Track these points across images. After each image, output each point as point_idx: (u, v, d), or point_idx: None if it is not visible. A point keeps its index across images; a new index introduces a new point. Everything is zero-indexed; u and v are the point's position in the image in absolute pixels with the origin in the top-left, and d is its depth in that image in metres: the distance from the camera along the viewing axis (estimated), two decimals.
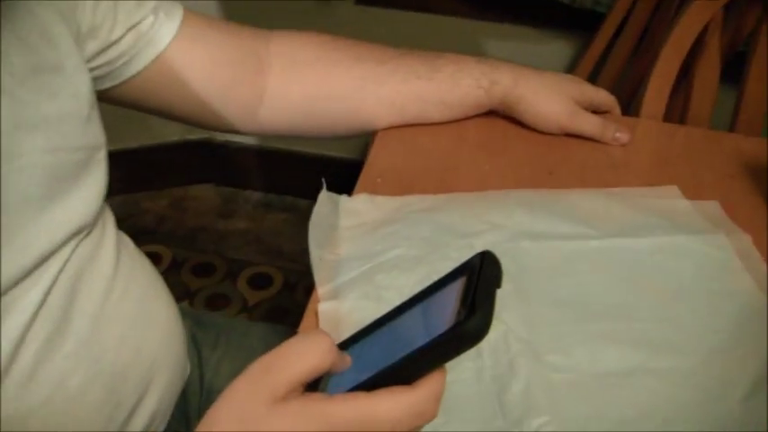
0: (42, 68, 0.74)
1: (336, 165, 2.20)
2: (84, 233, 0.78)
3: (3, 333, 0.68)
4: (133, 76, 0.88)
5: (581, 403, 0.66)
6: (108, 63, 0.86)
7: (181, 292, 2.05)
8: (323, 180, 0.88)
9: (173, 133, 2.29)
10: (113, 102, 0.91)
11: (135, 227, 2.13)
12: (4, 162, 0.68)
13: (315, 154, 2.24)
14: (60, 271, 0.73)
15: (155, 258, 2.11)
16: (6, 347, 0.68)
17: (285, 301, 2.07)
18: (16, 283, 0.69)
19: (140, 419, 0.80)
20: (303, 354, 0.53)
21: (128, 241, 0.88)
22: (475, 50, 1.95)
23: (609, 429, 0.64)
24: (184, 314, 0.92)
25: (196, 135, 2.28)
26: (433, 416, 0.52)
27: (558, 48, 1.88)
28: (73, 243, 0.76)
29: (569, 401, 0.66)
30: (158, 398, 0.82)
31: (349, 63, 0.99)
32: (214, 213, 2.36)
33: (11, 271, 0.68)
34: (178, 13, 0.90)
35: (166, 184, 2.40)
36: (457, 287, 0.52)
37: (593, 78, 1.63)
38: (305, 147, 2.25)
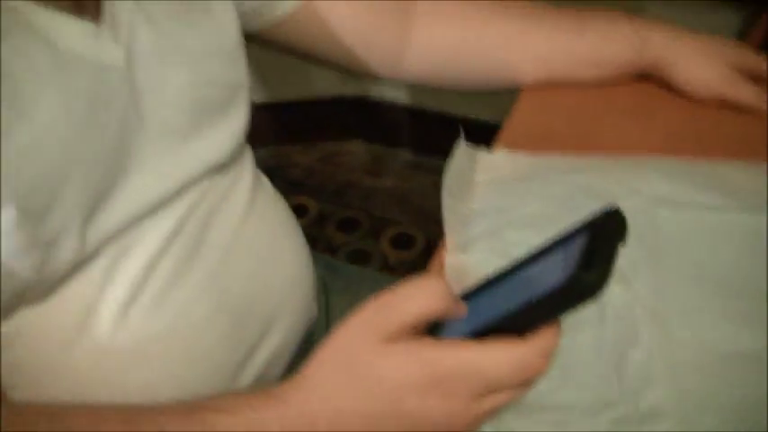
0: (192, 7, 0.76)
1: (488, 128, 2.17)
2: (222, 169, 0.80)
3: (136, 256, 0.70)
4: (280, 20, 0.90)
5: (702, 381, 0.63)
6: (255, 4, 0.88)
7: (324, 246, 2.08)
8: (461, 132, 0.87)
9: (328, 88, 2.32)
10: (263, 43, 0.94)
11: (285, 178, 2.19)
12: (150, 92, 0.71)
13: (467, 116, 2.20)
14: (196, 204, 0.76)
15: (301, 210, 2.16)
16: (138, 271, 0.70)
17: (426, 263, 2.06)
18: (154, 209, 0.71)
19: (262, 355, 0.81)
20: (417, 296, 0.52)
21: (265, 182, 0.90)
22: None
23: (728, 410, 0.61)
24: (316, 259, 0.94)
25: (351, 91, 2.30)
26: (541, 371, 0.51)
27: (726, 17, 1.79)
28: (210, 177, 0.78)
29: (690, 378, 0.63)
30: (282, 336, 0.83)
31: (496, 16, 0.98)
32: (363, 170, 2.38)
33: (147, 198, 0.71)
34: None
35: (319, 138, 2.45)
36: (580, 241, 0.50)
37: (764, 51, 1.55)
38: (457, 109, 2.24)
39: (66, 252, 0.65)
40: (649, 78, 0.98)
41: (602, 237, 0.49)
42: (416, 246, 2.13)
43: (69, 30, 0.64)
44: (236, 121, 0.81)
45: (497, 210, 0.79)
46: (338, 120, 2.44)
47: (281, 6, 0.90)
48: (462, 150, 0.86)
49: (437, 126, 2.31)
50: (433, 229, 2.14)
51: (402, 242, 2.14)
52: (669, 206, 0.78)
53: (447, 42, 0.99)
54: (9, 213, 0.59)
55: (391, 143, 2.45)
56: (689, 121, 0.94)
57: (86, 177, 0.64)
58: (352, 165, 2.40)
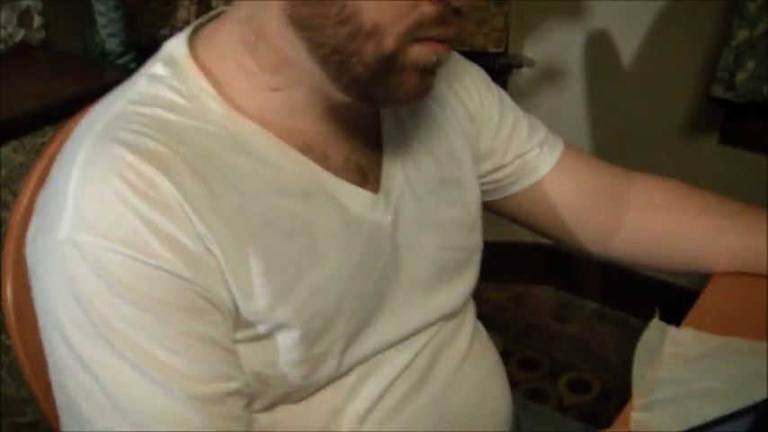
0: (446, 182, 0.94)
1: (671, 290, 2.20)
2: (451, 317, 0.95)
3: (378, 377, 0.86)
4: (512, 195, 1.06)
5: None
6: (495, 181, 1.04)
7: None
8: (656, 309, 0.99)
9: (526, 235, 2.41)
10: (491, 211, 1.09)
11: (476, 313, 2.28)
12: (407, 250, 0.88)
13: (653, 277, 2.26)
14: (427, 343, 0.91)
15: None
16: (378, 389, 0.86)
17: (599, 410, 2.12)
18: (393, 344, 0.87)
19: None
20: None
21: (482, 329, 1.04)
22: None
23: None
24: (513, 397, 1.06)
25: (547, 240, 2.39)
26: None
27: None
28: (441, 323, 0.93)
29: None
30: None
31: (697, 211, 1.07)
32: (549, 314, 2.47)
33: (393, 335, 0.87)
34: (559, 148, 1.06)
35: (511, 279, 2.56)
36: (749, 419, 0.62)
37: None
38: (645, 269, 2.28)
39: (328, 369, 0.80)
40: None
41: (766, 417, 0.61)
42: (592, 391, 2.18)
43: (357, 197, 0.82)
44: (469, 279, 0.97)
45: (681, 380, 0.90)
46: (531, 264, 2.54)
47: (519, 185, 1.04)
48: (656, 324, 0.97)
49: (624, 281, 2.35)
50: (609, 378, 2.19)
51: (578, 386, 2.20)
52: None
53: (650, 232, 1.08)
54: (295, 334, 0.76)
55: (578, 292, 2.52)
56: None
57: (353, 312, 0.81)
58: (540, 308, 2.50)
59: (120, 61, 2.09)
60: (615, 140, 2.21)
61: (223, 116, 0.76)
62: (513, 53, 2.22)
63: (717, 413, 0.84)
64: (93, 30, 2.08)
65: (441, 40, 0.74)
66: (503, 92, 1.05)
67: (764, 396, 0.86)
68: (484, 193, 1.03)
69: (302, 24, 0.72)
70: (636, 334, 0.96)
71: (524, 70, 2.26)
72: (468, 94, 0.99)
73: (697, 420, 0.84)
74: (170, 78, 0.77)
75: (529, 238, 2.45)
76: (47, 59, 1.98)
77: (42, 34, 1.97)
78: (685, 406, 0.87)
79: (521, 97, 1.00)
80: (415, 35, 0.72)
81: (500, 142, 1.02)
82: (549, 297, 2.55)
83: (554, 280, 2.57)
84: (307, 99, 0.79)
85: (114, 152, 0.69)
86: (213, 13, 0.84)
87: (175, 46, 0.79)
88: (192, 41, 0.80)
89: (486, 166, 1.02)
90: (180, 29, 0.92)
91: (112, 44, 2.07)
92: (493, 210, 1.09)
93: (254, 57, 0.77)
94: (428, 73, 0.76)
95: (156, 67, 0.78)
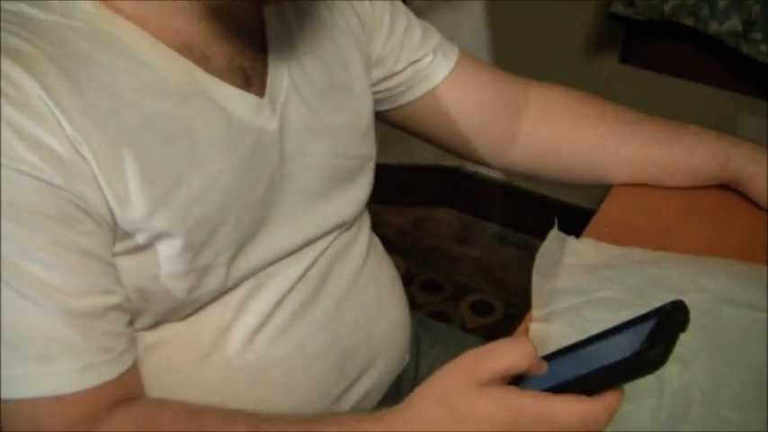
0: (336, 87, 0.90)
1: (572, 210, 2.23)
2: (344, 228, 0.92)
3: (267, 292, 0.83)
4: (406, 104, 1.03)
5: None
6: (387, 90, 1.00)
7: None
8: (555, 220, 0.98)
9: (427, 157, 2.43)
10: (385, 122, 1.06)
11: (378, 236, 2.27)
12: (295, 157, 0.84)
13: (554, 198, 2.30)
14: (320, 255, 0.88)
15: None
16: (268, 304, 0.83)
17: (503, 332, 2.11)
18: (285, 256, 0.85)
19: (358, 391, 0.93)
20: (508, 351, 0.63)
21: (377, 242, 1.02)
22: (729, 123, 1.96)
23: None
24: (412, 314, 1.05)
25: (448, 162, 2.41)
26: (604, 426, 0.61)
27: None
28: (334, 234, 0.91)
29: None
30: (377, 377, 0.95)
31: (595, 120, 1.07)
32: (451, 237, 2.48)
33: (282, 246, 0.84)
34: (454, 55, 1.03)
35: (413, 202, 2.55)
36: (647, 326, 0.60)
37: None
38: (546, 190, 2.32)
39: (213, 282, 0.78)
40: (730, 188, 1.06)
41: (667, 323, 0.59)
42: (495, 313, 2.21)
43: (240, 101, 0.79)
44: (362, 189, 0.94)
45: (579, 290, 0.90)
46: (433, 187, 2.54)
47: (413, 93, 1.01)
48: (554, 235, 0.96)
49: (526, 203, 2.40)
50: (512, 300, 2.22)
51: (481, 309, 2.22)
52: (732, 305, 0.87)
53: (548, 141, 1.08)
54: (176, 243, 0.73)
55: (480, 215, 2.54)
56: (762, 232, 1.02)
57: (238, 222, 0.78)
58: (442, 231, 2.50)
59: None
60: (514, 59, 2.17)
61: (95, 14, 0.72)
62: None
63: (616, 322, 0.83)
64: None
65: None
66: None
67: (661, 302, 0.86)
68: (377, 102, 1.00)
69: None
70: None
71: None
72: None
73: (596, 329, 0.83)
74: None
75: (430, 160, 2.49)
76: None
77: None
78: (584, 315, 0.87)
79: (420, 13, 0.97)
80: None
81: (392, 48, 0.99)
82: (452, 220, 2.55)
83: (456, 203, 2.57)
84: None
85: None
86: None
87: None
88: None
89: (378, 73, 0.99)
90: None
91: None
92: (387, 120, 1.06)
93: None
94: None
95: None
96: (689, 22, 1.75)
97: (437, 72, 1.01)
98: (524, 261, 2.32)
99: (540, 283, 0.91)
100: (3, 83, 0.64)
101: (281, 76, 0.84)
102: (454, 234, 2.50)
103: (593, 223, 1.03)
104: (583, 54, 2.10)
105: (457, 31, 2.18)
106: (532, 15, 2.13)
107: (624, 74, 2.07)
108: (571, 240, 0.98)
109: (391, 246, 1.05)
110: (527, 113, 1.08)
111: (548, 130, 1.08)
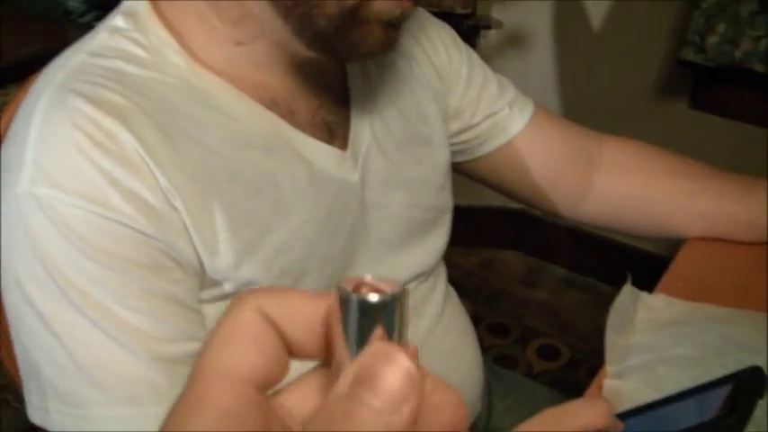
0: (415, 139, 0.92)
1: (643, 257, 2.24)
2: (423, 278, 0.94)
3: None
4: (482, 156, 1.04)
5: None
6: (464, 142, 1.02)
7: None
8: (628, 274, 0.99)
9: (495, 199, 2.41)
10: (460, 173, 1.08)
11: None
12: (375, 209, 0.87)
13: (624, 243, 2.28)
14: None
15: None
16: None
17: (568, 376, 2.13)
18: None
19: None
20: (585, 410, 0.64)
21: (453, 293, 1.03)
22: None
23: None
24: (485, 364, 1.06)
25: (515, 204, 2.39)
26: None
27: None
28: (412, 285, 0.93)
29: None
30: None
31: (666, 174, 1.07)
32: (517, 280, 2.48)
33: None
34: (529, 108, 1.05)
35: (480, 244, 2.56)
36: (724, 390, 0.61)
37: None
38: (615, 235, 2.28)
39: None
40: None
41: (743, 389, 0.60)
42: (561, 358, 2.19)
43: (324, 154, 0.81)
44: (438, 239, 0.96)
45: (653, 347, 0.90)
46: (500, 229, 2.54)
47: (489, 145, 1.03)
48: (628, 290, 0.97)
49: (594, 248, 2.38)
50: (579, 345, 2.20)
51: (547, 353, 2.21)
52: None
53: (621, 194, 1.08)
54: None
55: (548, 258, 2.53)
56: None
57: (320, 271, 0.80)
58: (509, 273, 2.50)
59: (82, 20, 2.07)
60: (584, 105, 2.20)
61: (184, 69, 0.75)
62: (482, 14, 2.19)
63: (689, 380, 0.83)
64: None
65: None
66: (471, 50, 1.04)
67: (734, 361, 0.87)
68: (453, 153, 1.02)
69: None
70: (604, 300, 0.95)
71: (492, 32, 2.24)
72: (435, 50, 0.98)
73: (669, 387, 0.84)
74: (130, 31, 0.75)
75: (498, 202, 2.50)
76: (9, 19, 1.95)
77: None
78: (658, 373, 0.87)
79: (488, 60, 0.99)
80: None
81: (469, 101, 1.01)
82: (518, 262, 2.55)
83: (523, 245, 2.57)
84: (270, 53, 0.78)
85: (73, 104, 0.68)
86: None
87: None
88: None
89: (456, 125, 1.01)
90: None
91: (75, 2, 2.04)
92: (462, 171, 1.08)
93: (215, 10, 0.75)
94: (392, 27, 0.75)
95: (116, 19, 0.77)
96: (759, 68, 1.74)
97: (513, 125, 1.03)
98: (590, 306, 2.36)
99: (613, 339, 0.91)
100: (100, 135, 0.67)
101: (363, 129, 0.86)
102: (521, 276, 2.50)
103: (667, 278, 1.03)
104: (652, 100, 2.10)
105: (526, 76, 2.20)
106: (602, 60, 2.14)
107: (694, 119, 2.06)
108: (644, 295, 0.99)
109: (458, 287, 1.07)
110: (600, 167, 1.08)
111: (620, 183, 1.08)
